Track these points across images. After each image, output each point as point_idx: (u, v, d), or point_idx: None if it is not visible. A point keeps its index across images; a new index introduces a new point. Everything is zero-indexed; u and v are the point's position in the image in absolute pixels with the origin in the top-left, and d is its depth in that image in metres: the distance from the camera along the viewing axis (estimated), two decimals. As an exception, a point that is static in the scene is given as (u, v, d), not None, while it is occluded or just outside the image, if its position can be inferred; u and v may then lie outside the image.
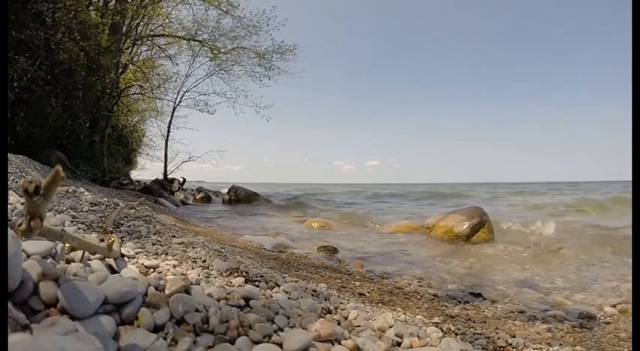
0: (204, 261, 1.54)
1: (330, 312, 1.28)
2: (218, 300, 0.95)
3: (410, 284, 2.51)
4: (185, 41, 12.41)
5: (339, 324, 1.16)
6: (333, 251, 3.60)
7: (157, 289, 0.87)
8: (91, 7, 9.14)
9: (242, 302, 0.98)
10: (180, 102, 13.66)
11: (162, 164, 13.34)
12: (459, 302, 2.15)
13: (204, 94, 13.56)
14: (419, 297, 2.19)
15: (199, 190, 12.83)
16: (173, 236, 2.09)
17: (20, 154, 5.46)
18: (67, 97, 7.08)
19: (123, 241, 1.66)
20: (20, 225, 0.58)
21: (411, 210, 9.51)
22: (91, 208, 2.26)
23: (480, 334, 1.41)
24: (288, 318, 0.95)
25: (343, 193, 18.14)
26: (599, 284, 2.68)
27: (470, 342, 1.30)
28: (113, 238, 1.18)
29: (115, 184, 8.65)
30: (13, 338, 0.46)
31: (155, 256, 1.47)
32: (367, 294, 2.09)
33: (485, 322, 1.74)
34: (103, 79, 8.43)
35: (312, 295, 1.44)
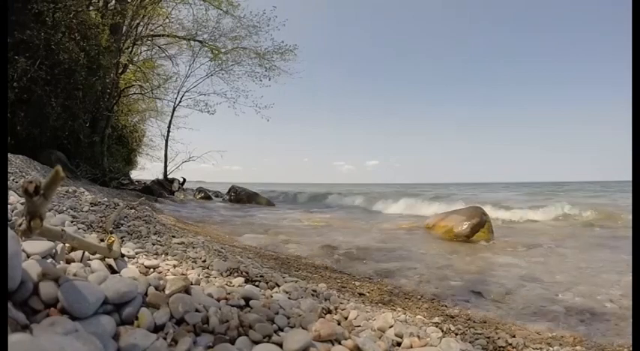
0: (205, 261, 1.54)
1: (330, 312, 1.28)
2: (218, 300, 0.95)
3: (410, 283, 2.51)
4: (185, 41, 12.39)
5: (339, 324, 1.16)
6: (334, 249, 3.60)
7: (157, 289, 0.87)
8: (91, 7, 9.14)
9: (242, 302, 0.98)
10: (180, 102, 13.64)
11: (163, 164, 13.31)
12: (459, 301, 2.15)
13: (204, 94, 13.53)
14: (419, 297, 2.19)
15: (199, 190, 12.83)
16: (173, 236, 2.09)
17: (20, 154, 5.46)
18: (67, 97, 7.08)
19: (123, 241, 1.66)
20: (20, 225, 0.58)
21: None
22: (91, 208, 2.26)
23: (480, 334, 1.41)
24: (288, 318, 0.94)
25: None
26: (599, 279, 2.69)
27: (470, 342, 1.30)
28: (113, 238, 1.18)
29: (115, 184, 8.64)
30: (13, 338, 0.46)
31: (155, 256, 1.47)
32: (367, 294, 2.09)
33: (485, 322, 1.74)
34: (103, 79, 8.43)
35: (312, 295, 1.44)
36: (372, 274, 2.76)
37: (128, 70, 11.35)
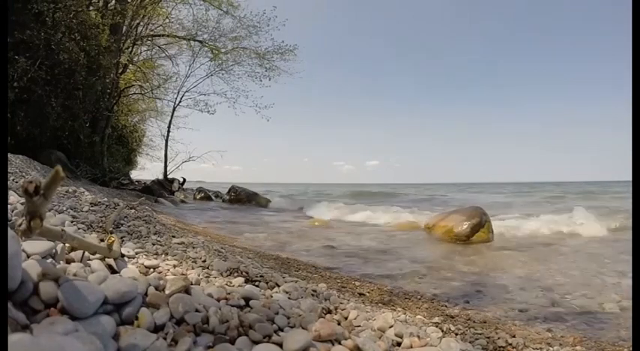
0: (205, 261, 1.54)
1: (330, 312, 1.28)
2: (218, 300, 0.95)
3: (410, 283, 2.51)
4: (185, 41, 12.39)
5: (339, 324, 1.16)
6: (334, 249, 3.60)
7: (157, 289, 0.87)
8: (91, 7, 9.14)
9: (242, 302, 0.98)
10: (180, 102, 13.63)
11: (163, 164, 13.30)
12: (460, 302, 2.15)
13: (204, 94, 13.53)
14: (419, 297, 2.19)
15: (199, 190, 12.82)
16: (173, 236, 2.09)
17: (20, 154, 5.46)
18: (67, 97, 7.08)
19: (123, 241, 1.66)
20: (20, 225, 0.58)
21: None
22: (91, 208, 2.26)
23: (480, 334, 1.41)
24: (288, 318, 0.94)
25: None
26: (599, 280, 2.69)
27: (470, 342, 1.30)
28: (113, 238, 1.18)
29: (115, 184, 8.63)
30: (13, 338, 0.46)
31: (155, 256, 1.47)
32: (367, 294, 2.09)
33: (485, 322, 1.74)
34: (103, 79, 8.43)
35: (312, 295, 1.44)
36: (372, 274, 2.75)
37: (128, 70, 11.35)
